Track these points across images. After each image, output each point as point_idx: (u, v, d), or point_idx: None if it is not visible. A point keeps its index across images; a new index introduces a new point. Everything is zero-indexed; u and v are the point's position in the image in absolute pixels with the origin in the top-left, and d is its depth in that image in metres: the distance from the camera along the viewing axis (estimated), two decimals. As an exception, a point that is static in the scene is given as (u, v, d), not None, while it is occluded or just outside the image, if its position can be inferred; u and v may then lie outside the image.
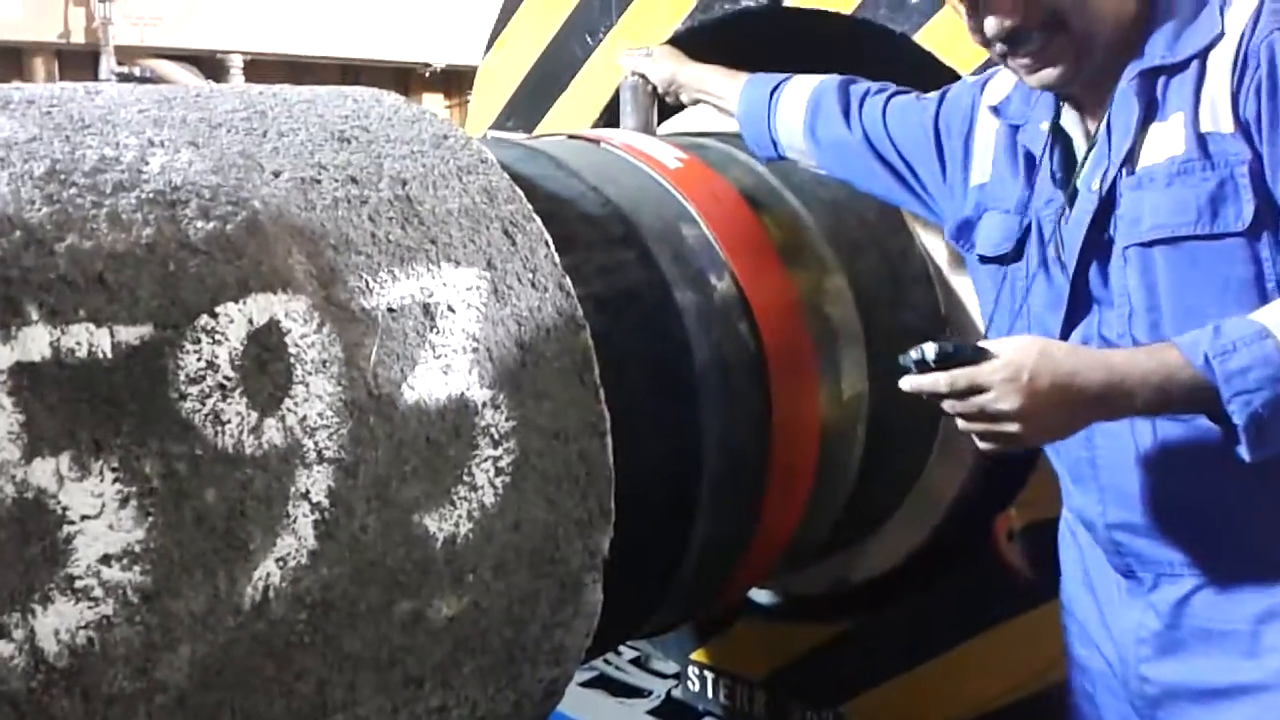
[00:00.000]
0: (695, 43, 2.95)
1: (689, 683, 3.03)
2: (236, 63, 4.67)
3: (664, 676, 3.17)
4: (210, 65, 4.72)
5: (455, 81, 5.80)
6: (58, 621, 1.19)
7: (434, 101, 5.90)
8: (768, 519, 2.14)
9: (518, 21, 3.25)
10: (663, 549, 2.00)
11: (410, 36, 5.18)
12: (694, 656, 3.01)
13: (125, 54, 5.56)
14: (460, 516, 1.53)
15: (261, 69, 4.95)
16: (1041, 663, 2.46)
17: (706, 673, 3.00)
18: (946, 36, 2.49)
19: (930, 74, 2.60)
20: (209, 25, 4.47)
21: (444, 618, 1.54)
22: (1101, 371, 1.47)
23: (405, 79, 5.68)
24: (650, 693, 3.14)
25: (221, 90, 1.74)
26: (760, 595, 2.92)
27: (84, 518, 1.21)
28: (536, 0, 3.19)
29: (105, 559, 1.22)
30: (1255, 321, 1.44)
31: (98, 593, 1.21)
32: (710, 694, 3.00)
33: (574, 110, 3.15)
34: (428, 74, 5.54)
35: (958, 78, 2.50)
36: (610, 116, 3.09)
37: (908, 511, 2.59)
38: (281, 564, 1.36)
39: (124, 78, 5.79)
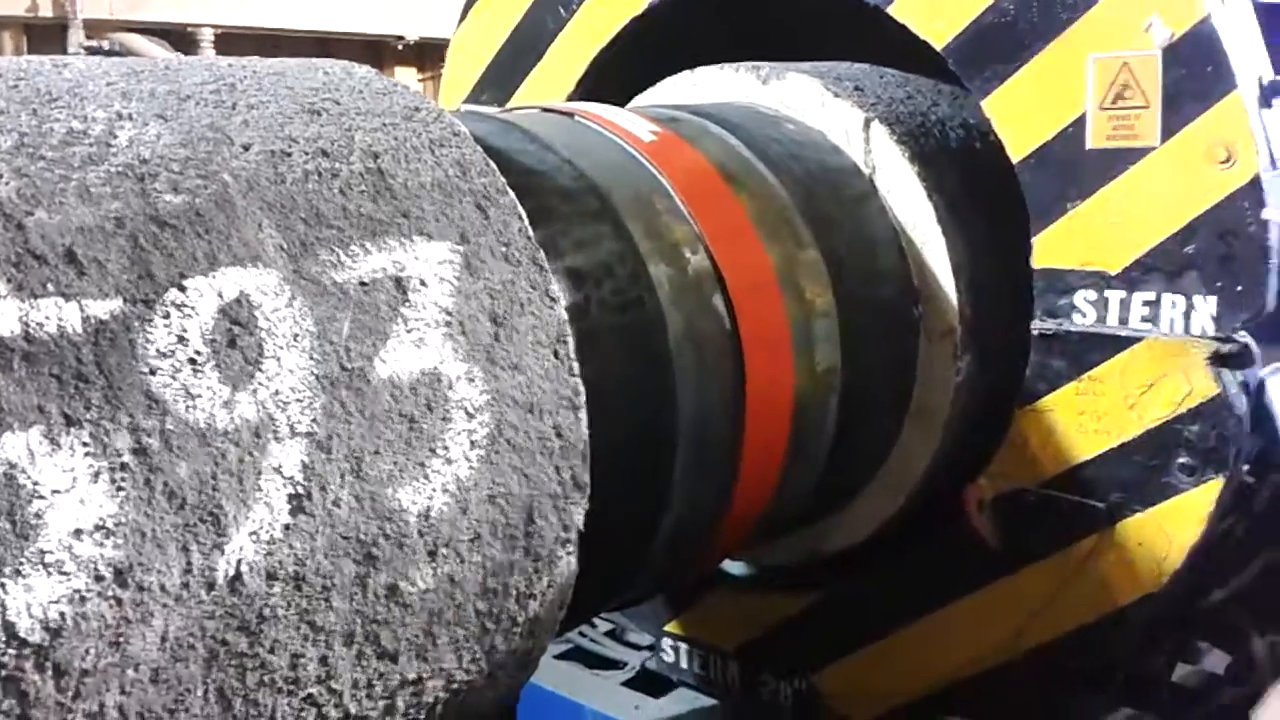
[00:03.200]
0: (669, 18, 2.94)
1: (663, 654, 3.06)
2: (207, 36, 4.63)
3: (638, 648, 3.19)
4: (180, 39, 4.68)
5: (428, 54, 5.76)
6: (29, 596, 1.18)
7: (407, 75, 5.86)
8: (742, 492, 2.15)
9: None
10: (637, 522, 2.01)
11: (383, 9, 5.13)
12: (668, 628, 3.03)
13: (94, 28, 5.49)
14: (435, 490, 1.53)
15: (232, 42, 4.90)
16: (1010, 631, 2.51)
17: (680, 644, 3.02)
18: (921, 8, 2.50)
19: (903, 48, 2.61)
20: (179, -2, 4.46)
21: (419, 591, 1.54)
22: None
23: (378, 51, 5.63)
24: (625, 664, 3.15)
25: (190, 63, 1.72)
26: (733, 567, 2.94)
27: (55, 492, 1.20)
28: None
29: (77, 533, 1.21)
30: None
31: (69, 567, 1.21)
32: (684, 665, 3.03)
33: (548, 82, 3.13)
34: (400, 46, 5.50)
35: (932, 51, 2.52)
36: (584, 88, 3.08)
37: (880, 483, 2.61)
38: (254, 538, 1.36)
39: (92, 51, 5.71)
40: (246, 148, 1.52)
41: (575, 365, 1.71)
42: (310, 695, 1.46)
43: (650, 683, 3.07)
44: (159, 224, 1.36)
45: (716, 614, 2.95)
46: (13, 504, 1.18)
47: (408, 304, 1.55)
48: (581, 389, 1.71)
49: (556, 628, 1.81)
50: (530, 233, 1.73)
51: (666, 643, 3.04)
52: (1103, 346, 2.36)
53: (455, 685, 1.67)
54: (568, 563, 1.74)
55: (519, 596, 1.69)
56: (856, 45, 2.89)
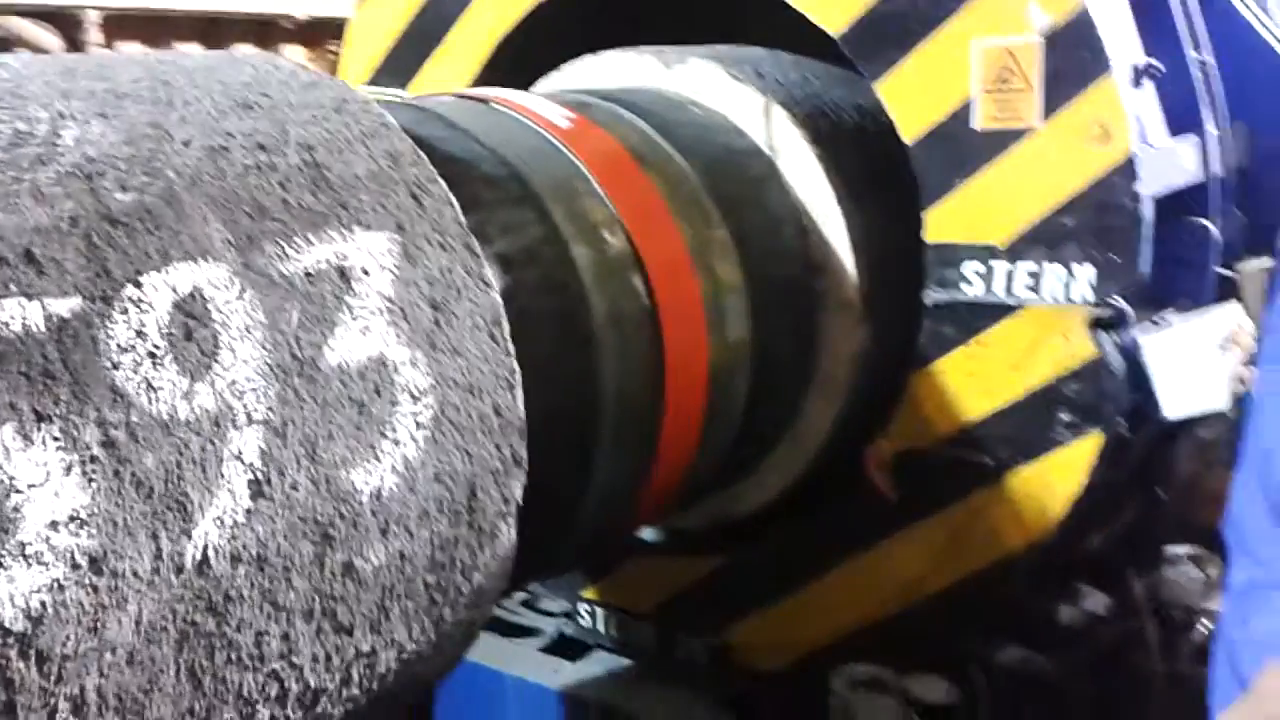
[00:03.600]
0: (572, 3, 2.98)
1: (580, 619, 3.14)
2: (93, 19, 4.50)
3: (554, 615, 3.25)
4: (66, 22, 4.54)
5: (317, 33, 5.69)
6: (11, 587, 1.22)
7: (295, 54, 5.77)
8: (663, 460, 2.26)
9: None
10: (566, 493, 2.10)
11: (270, -11, 5.07)
12: (584, 594, 3.12)
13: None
14: (385, 471, 1.60)
15: (119, 24, 4.78)
16: (910, 579, 2.67)
17: (597, 609, 3.11)
18: None
19: (797, 33, 2.73)
20: (64, -19, 4.34)
21: (372, 567, 1.61)
22: None
23: (267, 30, 5.53)
24: (541, 631, 3.21)
25: (119, 58, 1.74)
26: (647, 533, 3.05)
27: (30, 486, 1.24)
28: None
29: (53, 525, 1.26)
30: None
31: (48, 557, 1.25)
32: (601, 629, 3.12)
33: (449, 68, 3.16)
34: (289, 25, 5.43)
35: (827, 39, 2.64)
36: (487, 74, 3.12)
37: (787, 445, 2.75)
38: (219, 523, 1.41)
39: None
40: (187, 144, 1.56)
41: (511, 347, 1.79)
42: (273, 670, 1.52)
43: (567, 648, 3.14)
44: (111, 222, 1.40)
45: (632, 579, 3.05)
46: (-9, 499, 1.22)
47: (351, 293, 1.61)
48: (517, 369, 1.80)
49: (498, 597, 1.89)
50: (463, 220, 1.80)
51: (583, 608, 3.13)
52: (990, 314, 2.50)
53: (406, 655, 1.75)
54: (508, 535, 1.83)
55: (464, 569, 1.78)
56: (754, 29, 3.00)
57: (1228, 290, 2.70)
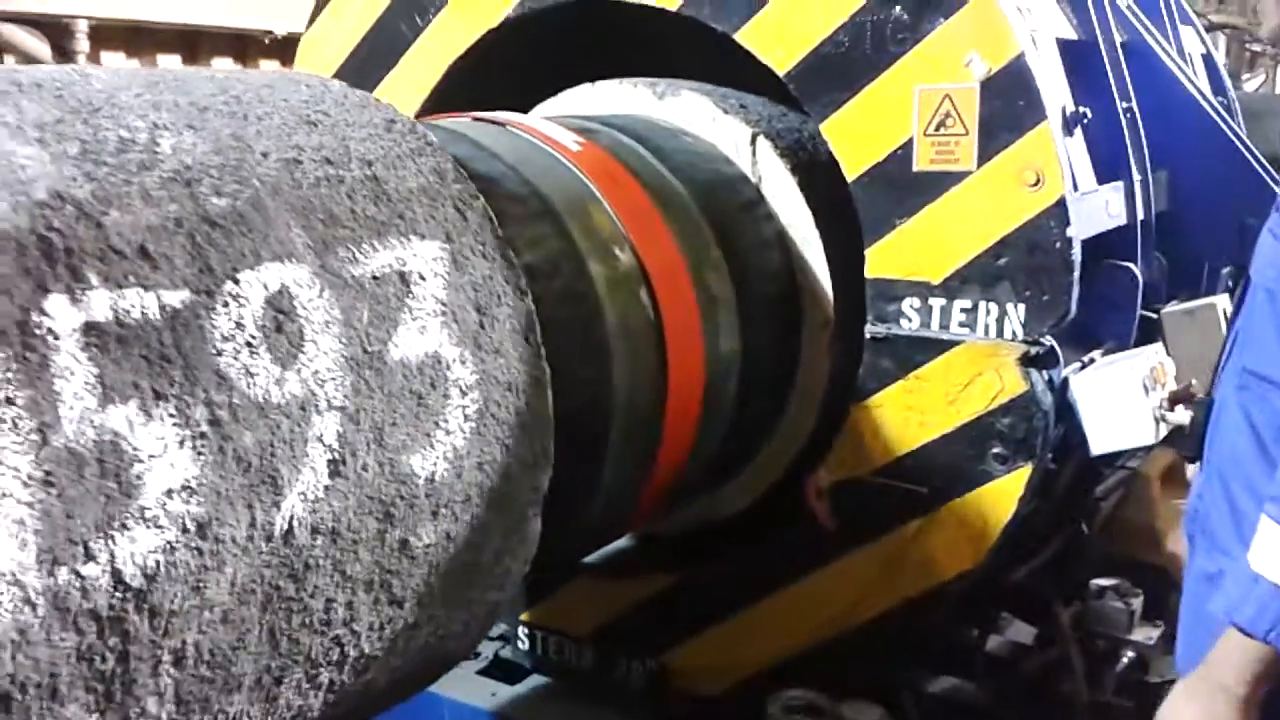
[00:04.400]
0: (525, 32, 3.01)
1: (518, 642, 3.16)
2: (81, 27, 4.56)
3: (491, 639, 3.22)
4: (55, 30, 4.60)
5: (293, 49, 5.80)
6: (132, 547, 1.36)
7: (271, 68, 5.87)
8: (663, 460, 2.44)
9: None
10: (579, 489, 2.27)
11: (249, 3, 5.15)
12: (523, 618, 3.14)
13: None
14: (438, 457, 1.76)
15: (105, 34, 4.84)
16: (846, 606, 2.73)
17: (536, 632, 3.13)
18: (765, 37, 2.67)
19: (749, 72, 2.79)
20: (54, -11, 4.40)
21: (423, 545, 1.77)
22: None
23: (244, 45, 5.61)
24: (479, 654, 3.18)
25: (190, 74, 1.88)
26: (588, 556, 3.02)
27: (151, 456, 1.38)
28: None
29: (169, 492, 1.40)
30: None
31: (164, 521, 1.39)
32: (539, 652, 3.14)
33: (400, 90, 3.15)
34: (267, 41, 5.52)
35: (774, 77, 2.71)
36: (438, 99, 3.14)
37: (767, 453, 2.93)
38: (303, 497, 1.56)
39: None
40: (265, 155, 1.71)
41: (543, 350, 1.96)
42: (337, 636, 1.67)
43: (505, 671, 3.16)
44: (210, 224, 1.55)
45: (570, 601, 3.07)
46: (118, 467, 1.35)
47: (411, 295, 1.77)
48: (548, 371, 1.97)
49: (520, 580, 2.05)
50: (500, 233, 1.97)
51: (522, 631, 3.15)
52: (926, 349, 2.58)
53: (441, 631, 1.90)
54: (534, 524, 2.00)
55: (497, 553, 1.94)
56: (704, 66, 3.05)
57: (1150, 331, 2.84)
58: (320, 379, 1.60)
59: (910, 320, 2.60)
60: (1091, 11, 2.94)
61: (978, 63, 2.45)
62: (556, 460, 2.03)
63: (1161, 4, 3.49)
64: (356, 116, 1.94)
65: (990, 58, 2.45)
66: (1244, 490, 1.83)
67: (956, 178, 2.50)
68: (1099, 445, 2.54)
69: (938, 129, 2.51)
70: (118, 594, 1.36)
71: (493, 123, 2.53)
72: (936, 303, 2.57)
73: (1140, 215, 2.84)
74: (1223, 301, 2.89)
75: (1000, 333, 2.52)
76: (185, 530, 1.42)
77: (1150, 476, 2.90)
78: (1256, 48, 14.26)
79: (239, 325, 1.52)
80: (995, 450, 2.53)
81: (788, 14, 2.65)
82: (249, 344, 1.52)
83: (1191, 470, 2.16)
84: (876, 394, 2.65)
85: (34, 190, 1.41)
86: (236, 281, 1.54)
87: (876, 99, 2.57)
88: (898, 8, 2.52)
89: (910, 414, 2.62)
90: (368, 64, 3.21)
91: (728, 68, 2.92)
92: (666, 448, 2.44)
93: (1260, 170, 3.10)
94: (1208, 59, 3.92)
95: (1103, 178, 2.75)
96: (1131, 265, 2.76)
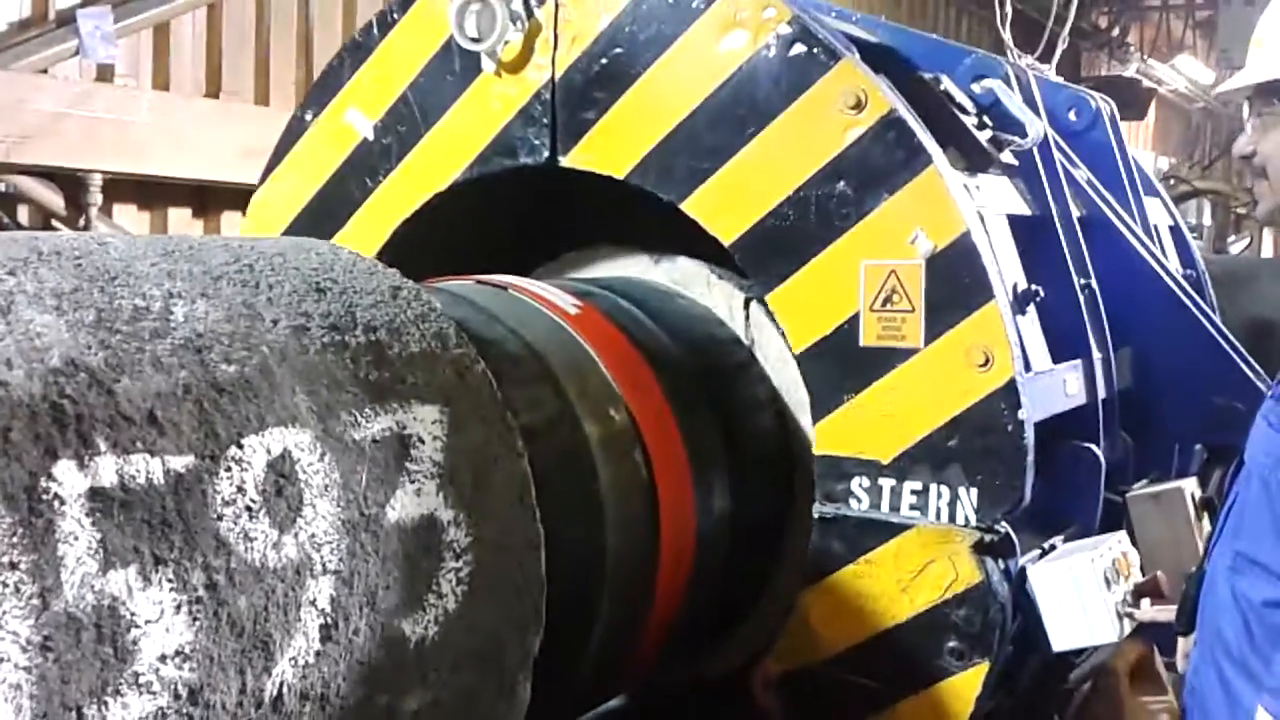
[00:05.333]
0: (473, 195, 2.94)
1: None
2: (96, 181, 4.73)
3: None
4: (70, 182, 4.76)
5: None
6: (124, 713, 1.37)
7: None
8: (652, 624, 2.44)
9: (295, 157, 3.15)
10: (572, 650, 2.27)
11: (253, 162, 5.35)
12: None
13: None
14: (429, 621, 1.78)
15: (118, 188, 5.01)
16: None
17: None
18: (710, 206, 2.63)
19: (695, 240, 2.77)
20: (70, 145, 4.54)
21: (410, 711, 1.77)
22: None
23: (247, 199, 5.81)
24: None
25: (204, 242, 1.96)
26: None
27: (147, 622, 1.40)
28: (314, 137, 3.11)
29: (163, 658, 1.41)
30: None
31: (156, 687, 1.40)
32: None
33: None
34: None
35: (720, 246, 2.66)
36: (387, 259, 2.88)
37: (757, 616, 2.93)
38: (294, 663, 1.57)
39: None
40: (275, 323, 1.78)
41: (537, 512, 1.99)
42: (321, 805, 1.65)
43: None
44: (218, 390, 1.60)
45: None
46: (115, 632, 1.37)
47: (409, 458, 1.81)
48: (541, 533, 1.99)
49: (508, 746, 2.04)
50: (499, 396, 2.02)
51: None
52: (877, 532, 2.47)
53: (426, 798, 1.88)
54: (524, 688, 1.99)
55: (484, 718, 1.93)
56: (656, 235, 3.03)
57: (1117, 514, 2.75)
58: (317, 543, 1.62)
59: (860, 500, 2.51)
60: (1046, 187, 2.92)
61: (923, 240, 2.42)
62: (548, 621, 2.04)
63: (1124, 177, 3.46)
64: (364, 283, 2.02)
65: (934, 235, 2.42)
66: (1238, 673, 1.83)
67: (904, 354, 2.45)
68: (1060, 642, 2.41)
69: (884, 304, 2.47)
70: (106, 761, 1.36)
71: (495, 285, 2.61)
72: (886, 483, 2.48)
73: (1101, 394, 2.78)
74: (1190, 485, 2.82)
75: (952, 517, 2.42)
76: (177, 696, 1.43)
77: (1119, 672, 2.71)
78: (1241, 210, 14.68)
79: (240, 489, 1.55)
80: (951, 644, 2.42)
81: (732, 187, 2.61)
82: (249, 508, 1.55)
83: (1184, 644, 2.15)
84: (827, 578, 2.53)
85: (49, 358, 1.46)
86: (240, 446, 1.58)
87: (822, 273, 2.53)
88: (841, 183, 2.49)
89: (862, 601, 2.50)
90: (316, 225, 3.09)
91: (676, 233, 2.86)
92: (658, 607, 2.44)
93: (1227, 348, 3.04)
94: (1175, 230, 3.89)
95: (1060, 356, 2.69)
96: (1093, 446, 2.69)
